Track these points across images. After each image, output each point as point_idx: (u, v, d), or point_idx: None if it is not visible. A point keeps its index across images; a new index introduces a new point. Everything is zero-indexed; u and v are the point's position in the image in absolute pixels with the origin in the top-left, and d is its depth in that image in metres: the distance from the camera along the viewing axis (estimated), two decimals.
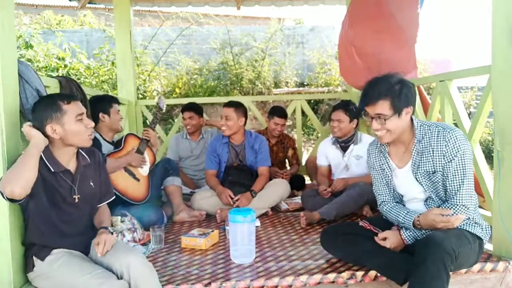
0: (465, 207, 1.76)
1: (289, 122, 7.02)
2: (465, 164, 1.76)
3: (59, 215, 1.77)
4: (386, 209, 2.00)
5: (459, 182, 1.76)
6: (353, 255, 1.98)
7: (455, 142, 1.76)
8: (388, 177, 1.99)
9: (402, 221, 1.89)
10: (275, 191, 3.19)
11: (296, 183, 3.80)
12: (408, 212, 1.89)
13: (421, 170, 1.85)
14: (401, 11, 3.68)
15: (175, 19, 8.37)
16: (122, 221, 2.44)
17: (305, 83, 8.15)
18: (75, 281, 1.62)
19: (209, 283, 1.88)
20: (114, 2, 4.43)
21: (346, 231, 2.04)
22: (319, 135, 5.16)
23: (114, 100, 2.95)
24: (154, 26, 8.27)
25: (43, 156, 1.74)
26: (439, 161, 1.80)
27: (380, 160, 2.01)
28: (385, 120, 1.78)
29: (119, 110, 2.95)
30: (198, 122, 3.86)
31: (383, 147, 1.99)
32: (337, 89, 7.62)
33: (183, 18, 8.25)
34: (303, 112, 4.89)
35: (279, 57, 8.06)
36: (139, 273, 1.63)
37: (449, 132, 1.78)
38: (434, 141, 1.81)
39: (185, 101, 5.22)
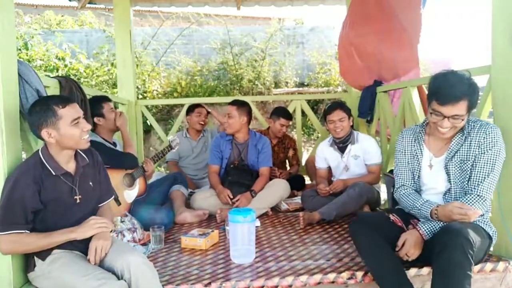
0: (483, 198, 1.78)
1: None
2: (496, 159, 1.80)
3: (60, 216, 1.76)
4: (403, 193, 2.00)
5: (485, 174, 1.80)
6: (376, 263, 1.84)
7: (494, 136, 1.81)
8: (418, 163, 1.99)
9: (419, 208, 1.89)
10: (275, 191, 3.19)
11: (296, 183, 3.80)
12: (427, 201, 1.90)
13: (456, 158, 1.87)
14: (404, 11, 3.68)
15: (175, 19, 8.37)
16: (122, 221, 2.44)
17: (305, 83, 8.14)
18: (75, 282, 1.62)
19: (209, 283, 1.88)
20: (114, 2, 4.43)
21: (379, 232, 1.88)
22: (319, 135, 5.16)
23: (104, 99, 2.83)
24: (154, 26, 8.26)
25: (43, 159, 1.74)
26: (473, 150, 1.83)
27: (414, 147, 2.01)
28: (462, 120, 1.79)
29: (112, 108, 2.85)
30: (206, 122, 4.00)
31: (419, 135, 2.00)
32: (337, 89, 7.62)
33: (183, 18, 8.26)
34: (303, 112, 4.89)
35: (279, 57, 8.06)
36: (140, 272, 1.63)
37: (491, 127, 1.84)
38: (474, 132, 1.85)
39: (185, 101, 5.24)
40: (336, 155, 3.23)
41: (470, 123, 1.89)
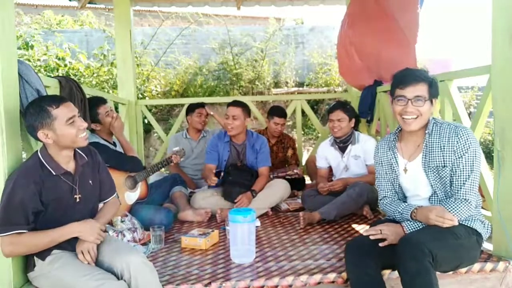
0: (468, 201, 1.79)
1: (289, 122, 7.03)
2: (474, 161, 1.81)
3: (60, 216, 1.76)
4: (386, 203, 2.02)
5: (465, 177, 1.80)
6: None
7: (467, 139, 1.81)
8: (395, 173, 2.00)
9: (401, 212, 1.91)
10: (275, 191, 3.19)
11: (296, 183, 3.80)
12: (408, 205, 1.92)
13: (431, 164, 1.88)
14: (401, 11, 3.68)
15: (175, 18, 8.37)
16: (122, 221, 2.44)
17: (305, 83, 8.14)
18: (75, 282, 1.62)
19: (209, 283, 1.88)
20: (114, 2, 4.43)
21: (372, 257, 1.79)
22: (319, 135, 5.17)
23: (98, 103, 2.77)
24: (154, 26, 8.27)
25: (42, 160, 1.73)
26: (449, 156, 1.84)
27: (388, 156, 2.03)
28: (424, 101, 1.83)
29: (108, 111, 2.78)
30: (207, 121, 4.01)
31: (392, 143, 2.02)
32: (337, 89, 7.62)
33: (183, 17, 8.26)
34: (303, 112, 4.89)
35: (279, 57, 8.06)
36: (140, 272, 1.63)
37: (461, 129, 1.84)
38: (445, 136, 1.86)
39: (185, 101, 5.24)
40: (337, 154, 3.23)
41: (435, 125, 1.90)
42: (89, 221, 1.79)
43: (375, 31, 3.80)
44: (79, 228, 1.73)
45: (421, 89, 1.84)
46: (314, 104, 7.48)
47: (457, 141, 1.82)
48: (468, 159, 1.80)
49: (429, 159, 1.89)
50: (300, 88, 7.90)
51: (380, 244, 1.80)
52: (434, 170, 1.88)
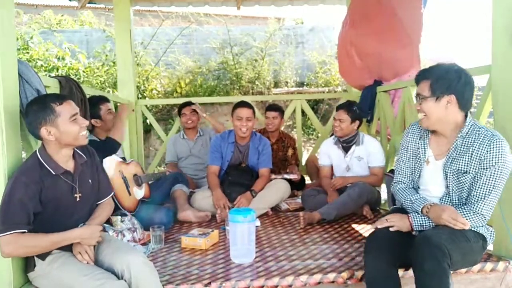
0: (483, 216, 1.74)
1: (289, 122, 7.03)
2: (499, 176, 1.72)
3: (60, 215, 1.76)
4: (400, 188, 1.99)
5: (486, 191, 1.73)
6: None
7: (498, 152, 1.71)
8: (420, 162, 1.95)
9: (412, 201, 1.87)
10: (275, 192, 3.19)
11: (296, 183, 3.80)
12: (422, 197, 1.89)
13: (454, 166, 1.81)
14: (404, 10, 3.68)
15: (175, 18, 8.37)
16: (122, 221, 2.44)
17: (305, 83, 8.14)
18: (75, 281, 1.62)
19: (209, 283, 1.88)
20: (114, 2, 4.43)
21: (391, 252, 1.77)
22: (319, 135, 5.17)
23: (101, 101, 2.84)
24: (154, 25, 8.27)
25: (41, 160, 1.73)
26: (474, 164, 1.76)
27: (417, 144, 1.97)
28: (421, 99, 1.81)
29: (109, 109, 2.87)
30: (198, 118, 3.96)
31: (425, 133, 1.95)
32: (337, 89, 7.62)
33: (183, 17, 8.26)
34: (303, 112, 4.89)
35: (279, 57, 8.05)
36: (140, 272, 1.63)
37: (496, 140, 1.72)
38: (477, 143, 1.76)
39: (185, 100, 5.23)
40: (339, 153, 3.22)
41: (472, 127, 1.81)
42: (90, 226, 1.79)
43: (376, 31, 3.80)
44: (81, 234, 1.73)
45: (421, 87, 1.83)
46: (314, 104, 7.47)
47: (487, 151, 1.72)
48: (494, 172, 1.71)
49: (452, 161, 1.82)
50: (300, 88, 7.89)
51: (391, 229, 1.80)
52: (454, 173, 1.81)
